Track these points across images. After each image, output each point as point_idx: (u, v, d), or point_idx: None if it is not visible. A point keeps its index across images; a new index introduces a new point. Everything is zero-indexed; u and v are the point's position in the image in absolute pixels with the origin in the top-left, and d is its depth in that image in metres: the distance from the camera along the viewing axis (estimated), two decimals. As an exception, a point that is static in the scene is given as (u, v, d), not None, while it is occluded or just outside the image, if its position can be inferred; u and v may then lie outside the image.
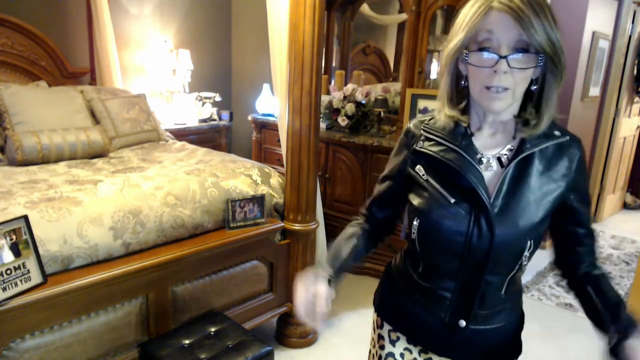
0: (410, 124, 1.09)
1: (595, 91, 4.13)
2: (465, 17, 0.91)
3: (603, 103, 4.36)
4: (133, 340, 1.81)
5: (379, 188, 1.17)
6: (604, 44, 4.05)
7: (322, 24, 2.12)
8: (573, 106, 3.74)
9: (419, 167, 1.02)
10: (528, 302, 2.99)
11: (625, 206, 5.32)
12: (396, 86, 3.65)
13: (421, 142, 1.03)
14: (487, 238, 0.92)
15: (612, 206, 4.98)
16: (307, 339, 2.45)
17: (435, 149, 0.99)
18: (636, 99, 4.75)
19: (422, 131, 1.03)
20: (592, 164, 4.45)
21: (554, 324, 2.80)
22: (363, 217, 1.19)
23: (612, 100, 4.37)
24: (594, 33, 3.79)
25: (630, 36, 4.29)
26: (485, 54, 0.88)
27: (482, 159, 0.97)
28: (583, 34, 3.62)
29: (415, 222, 1.00)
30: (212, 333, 1.88)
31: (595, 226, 1.10)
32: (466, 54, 0.91)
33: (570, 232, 1.03)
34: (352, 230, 1.15)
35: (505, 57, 0.86)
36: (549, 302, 3.05)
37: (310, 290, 0.97)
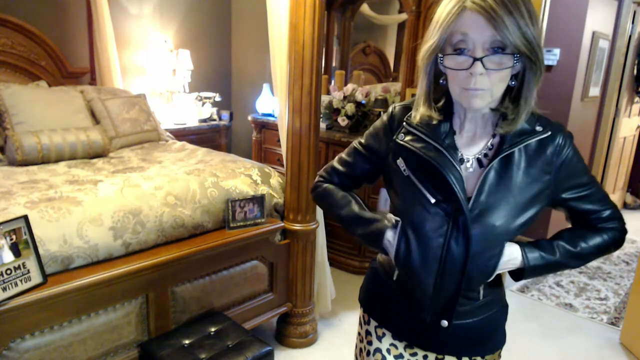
0: (395, 109, 1.06)
1: (595, 91, 4.12)
2: (439, 17, 0.89)
3: (603, 103, 4.35)
4: (133, 340, 1.81)
5: (347, 161, 1.16)
6: (604, 44, 4.04)
7: (322, 24, 2.12)
8: (573, 106, 3.74)
9: (400, 161, 1.00)
10: (528, 302, 2.98)
11: (625, 206, 5.32)
12: (396, 86, 3.65)
13: (402, 134, 1.00)
14: (464, 240, 0.92)
15: (612, 206, 4.98)
16: (307, 339, 2.45)
17: (417, 145, 0.97)
18: (636, 99, 4.76)
19: (404, 123, 1.01)
20: (592, 164, 4.45)
21: (554, 324, 2.79)
22: (324, 180, 1.20)
23: (612, 100, 4.37)
24: (594, 33, 3.78)
25: (630, 36, 4.29)
26: (460, 57, 0.86)
27: (463, 159, 0.96)
28: (583, 34, 3.61)
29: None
30: (212, 333, 1.88)
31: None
32: (441, 57, 0.89)
33: (593, 226, 1.04)
34: (341, 193, 1.15)
35: (480, 59, 0.84)
36: (549, 302, 3.05)
37: None
